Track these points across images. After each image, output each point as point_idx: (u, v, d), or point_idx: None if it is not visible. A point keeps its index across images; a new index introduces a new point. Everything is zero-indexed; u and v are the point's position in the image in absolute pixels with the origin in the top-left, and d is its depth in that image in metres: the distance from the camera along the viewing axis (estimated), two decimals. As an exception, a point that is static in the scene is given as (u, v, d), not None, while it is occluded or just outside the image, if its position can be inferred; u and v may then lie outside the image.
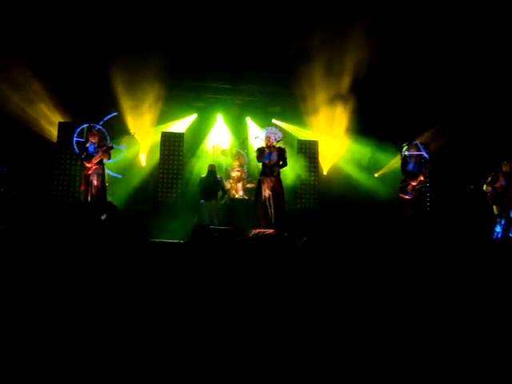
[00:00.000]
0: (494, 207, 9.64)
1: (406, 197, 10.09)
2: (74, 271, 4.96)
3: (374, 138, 13.48)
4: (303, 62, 12.80)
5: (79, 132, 11.55)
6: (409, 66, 12.87)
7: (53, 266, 5.20)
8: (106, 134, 11.37)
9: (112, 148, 10.28)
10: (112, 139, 11.42)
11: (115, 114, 12.46)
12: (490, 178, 9.71)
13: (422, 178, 10.16)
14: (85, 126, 11.45)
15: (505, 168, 9.66)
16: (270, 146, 9.29)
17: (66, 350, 2.83)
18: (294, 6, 12.21)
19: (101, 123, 11.37)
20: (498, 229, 9.49)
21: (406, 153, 10.27)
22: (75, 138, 11.50)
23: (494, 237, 9.46)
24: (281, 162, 9.40)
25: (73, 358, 2.74)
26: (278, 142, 9.43)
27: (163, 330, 3.25)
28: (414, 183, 10.04)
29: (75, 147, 11.27)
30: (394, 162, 12.68)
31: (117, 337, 3.09)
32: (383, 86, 13.26)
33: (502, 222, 9.50)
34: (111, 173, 11.71)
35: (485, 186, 9.78)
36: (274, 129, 9.67)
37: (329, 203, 13.33)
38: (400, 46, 12.38)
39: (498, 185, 9.59)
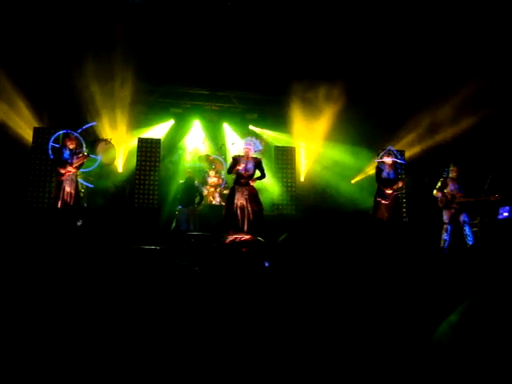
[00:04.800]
0: (444, 212, 9.67)
1: (383, 201, 9.90)
2: (51, 278, 4.90)
3: (350, 144, 13.59)
4: (281, 69, 12.89)
5: (55, 138, 11.43)
6: (385, 72, 13.03)
7: (28, 273, 5.13)
8: (83, 141, 11.23)
9: (88, 157, 9.99)
10: (89, 147, 11.30)
11: (94, 123, 12.39)
12: (439, 184, 9.74)
13: (400, 184, 10.05)
14: (62, 132, 11.29)
15: (451, 174, 9.73)
16: (247, 157, 8.96)
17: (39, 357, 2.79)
18: (272, 13, 12.31)
19: (79, 131, 11.22)
20: (446, 236, 9.54)
21: (382, 159, 10.11)
22: (51, 144, 11.36)
23: (445, 245, 9.48)
24: (259, 174, 9.06)
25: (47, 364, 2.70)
26: (255, 152, 9.12)
27: (142, 334, 3.23)
28: (389, 191, 9.93)
29: (50, 152, 11.13)
30: (371, 169, 12.74)
31: (96, 343, 3.05)
32: (360, 92, 13.37)
33: (449, 228, 9.57)
34: (83, 181, 11.56)
35: (434, 191, 9.78)
36: (254, 140, 9.25)
37: (306, 210, 13.39)
38: (375, 48, 12.52)
39: (447, 190, 9.62)
